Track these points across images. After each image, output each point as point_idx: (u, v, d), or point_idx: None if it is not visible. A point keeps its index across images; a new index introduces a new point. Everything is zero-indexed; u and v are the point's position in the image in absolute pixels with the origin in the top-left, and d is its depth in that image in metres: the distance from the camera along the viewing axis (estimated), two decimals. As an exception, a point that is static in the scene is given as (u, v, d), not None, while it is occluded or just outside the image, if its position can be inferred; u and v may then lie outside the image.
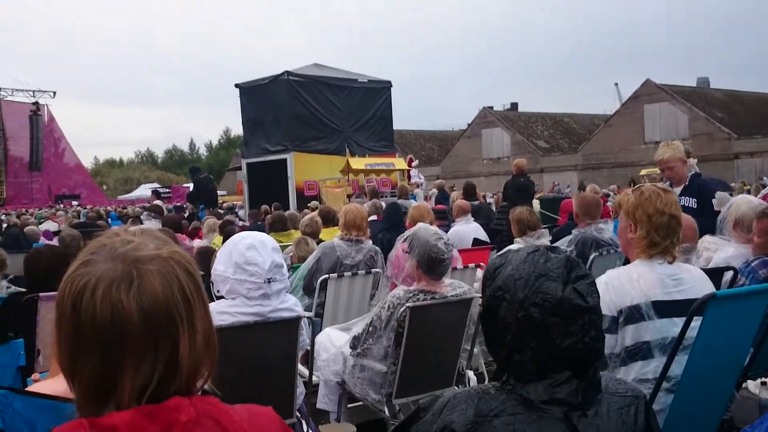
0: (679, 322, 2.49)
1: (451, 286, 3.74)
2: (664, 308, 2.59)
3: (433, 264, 3.61)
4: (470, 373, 4.19)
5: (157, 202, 18.68)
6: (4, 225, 15.59)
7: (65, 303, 1.09)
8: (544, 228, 6.28)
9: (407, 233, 3.77)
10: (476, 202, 10.78)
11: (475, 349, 4.25)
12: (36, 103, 43.07)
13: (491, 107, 53.00)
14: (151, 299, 1.09)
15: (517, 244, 5.36)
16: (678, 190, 5.28)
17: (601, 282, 2.63)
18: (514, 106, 55.74)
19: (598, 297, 1.51)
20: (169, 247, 1.17)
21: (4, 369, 2.88)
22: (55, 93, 44.67)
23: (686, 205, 5.20)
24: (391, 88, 21.28)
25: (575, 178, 41.25)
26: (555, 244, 4.30)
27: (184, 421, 1.07)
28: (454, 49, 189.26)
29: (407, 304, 3.52)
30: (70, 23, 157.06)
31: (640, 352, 2.58)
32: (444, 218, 9.70)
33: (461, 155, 50.90)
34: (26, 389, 1.98)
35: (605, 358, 2.57)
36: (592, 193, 9.48)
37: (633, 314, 2.59)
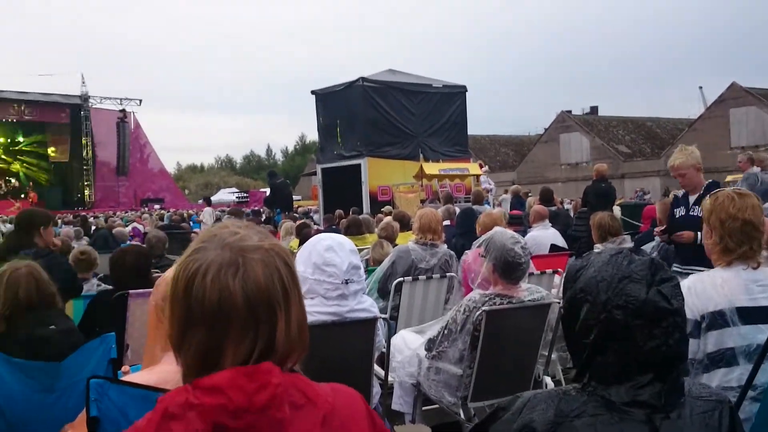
0: (766, 329, 2.41)
1: (529, 291, 3.71)
2: (750, 314, 2.51)
3: (509, 268, 3.59)
4: (548, 379, 4.14)
5: (208, 209, 19.30)
6: (93, 227, 16.33)
7: (179, 284, 1.21)
8: (625, 234, 6.14)
9: (484, 237, 3.76)
10: (554, 208, 10.59)
11: (552, 356, 4.20)
12: (123, 111, 44.90)
13: (569, 111, 51.95)
14: (254, 285, 1.19)
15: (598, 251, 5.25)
16: (692, 198, 5.02)
17: (684, 286, 2.56)
18: (594, 110, 54.40)
19: (683, 300, 1.49)
20: (271, 240, 1.28)
21: (97, 361, 3.02)
22: (141, 101, 46.45)
23: (697, 215, 4.83)
24: (466, 93, 21.18)
25: (658, 183, 39.97)
26: (637, 250, 4.19)
27: (275, 383, 1.16)
28: (531, 53, 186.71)
29: (483, 308, 3.51)
30: (155, 36, 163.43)
31: (723, 358, 2.51)
32: (519, 224, 9.59)
33: (538, 160, 50.10)
34: (120, 379, 2.08)
35: (687, 364, 2.51)
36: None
37: (716, 320, 2.52)
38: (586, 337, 1.48)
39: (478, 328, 3.53)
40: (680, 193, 5.28)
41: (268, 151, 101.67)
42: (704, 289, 2.57)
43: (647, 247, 5.48)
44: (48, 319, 3.22)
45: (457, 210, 9.57)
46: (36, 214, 5.35)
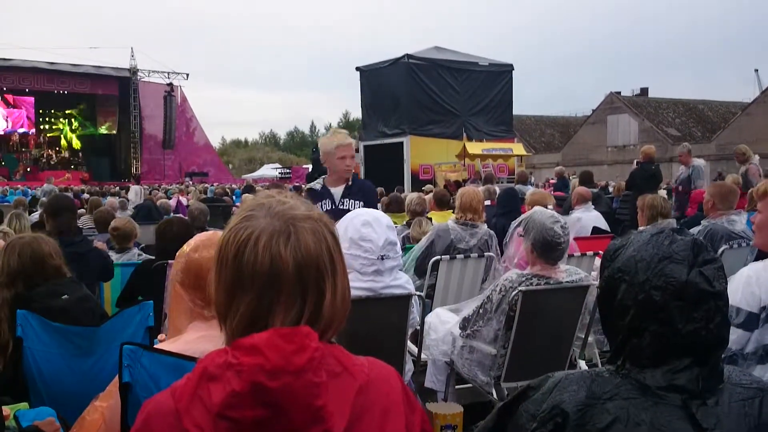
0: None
1: (567, 272, 3.64)
2: None
3: (548, 248, 3.52)
4: (582, 363, 4.08)
5: (135, 187, 19.49)
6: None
7: (228, 250, 1.23)
8: (672, 219, 5.98)
9: (523, 216, 3.70)
10: (595, 190, 10.40)
11: (589, 339, 4.13)
12: (170, 84, 45.44)
13: (619, 92, 50.83)
14: (305, 253, 1.21)
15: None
16: (339, 190, 4.75)
17: (743, 274, 2.47)
18: (644, 91, 53.08)
19: (726, 282, 1.42)
20: (317, 211, 1.30)
21: (135, 328, 3.07)
22: (188, 75, 46.94)
23: (348, 209, 4.57)
24: (513, 72, 20.86)
25: (707, 168, 39.03)
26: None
27: (314, 347, 1.16)
28: (582, 32, 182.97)
29: (520, 288, 3.46)
30: (203, 11, 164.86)
31: None
32: (561, 205, 9.45)
33: (584, 142, 49.17)
34: (154, 347, 2.10)
35: (736, 355, 2.41)
36: (733, 183, 8.90)
37: None
38: (622, 318, 1.43)
39: (513, 308, 3.48)
40: (319, 185, 4.88)
41: (312, 127, 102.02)
42: None
43: (693, 231, 5.33)
44: (59, 289, 3.28)
45: (498, 190, 9.48)
46: (67, 201, 5.28)
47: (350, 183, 4.80)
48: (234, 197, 17.95)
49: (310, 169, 22.88)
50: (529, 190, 9.01)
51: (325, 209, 4.62)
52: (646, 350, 1.39)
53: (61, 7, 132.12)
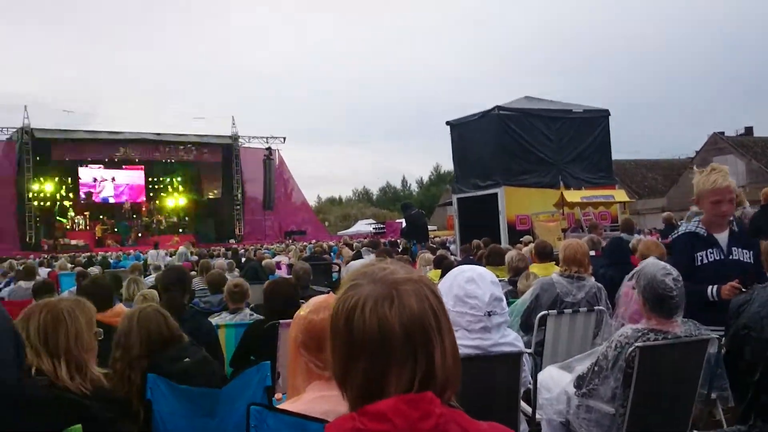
0: None
1: (685, 326, 3.50)
2: None
3: (660, 301, 3.41)
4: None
5: (152, 252, 19.77)
6: (243, 259, 17.26)
7: (339, 319, 1.29)
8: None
9: (636, 269, 3.60)
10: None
11: (712, 395, 3.92)
12: (269, 149, 47.35)
13: (722, 133, 48.87)
14: (409, 314, 1.25)
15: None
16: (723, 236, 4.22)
17: None
18: (749, 130, 50.90)
19: None
20: (417, 273, 1.35)
21: (254, 388, 3.18)
22: (285, 138, 48.78)
23: (740, 260, 4.13)
24: (609, 117, 20.47)
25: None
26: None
27: (438, 413, 1.19)
28: (679, 72, 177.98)
29: (636, 344, 3.36)
30: (293, 75, 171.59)
31: None
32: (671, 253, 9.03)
33: (690, 185, 46.92)
34: (277, 407, 2.18)
35: None
36: None
37: None
38: (750, 375, 1.40)
39: (631, 365, 3.37)
40: (702, 230, 4.30)
41: (404, 182, 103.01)
42: None
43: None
44: (182, 353, 3.44)
45: (603, 240, 9.22)
46: (174, 277, 5.36)
47: (735, 229, 4.35)
48: (332, 254, 18.29)
49: (404, 225, 23.03)
50: (635, 239, 8.72)
51: (712, 258, 4.25)
52: (780, 409, 1.35)
53: (165, 83, 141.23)
